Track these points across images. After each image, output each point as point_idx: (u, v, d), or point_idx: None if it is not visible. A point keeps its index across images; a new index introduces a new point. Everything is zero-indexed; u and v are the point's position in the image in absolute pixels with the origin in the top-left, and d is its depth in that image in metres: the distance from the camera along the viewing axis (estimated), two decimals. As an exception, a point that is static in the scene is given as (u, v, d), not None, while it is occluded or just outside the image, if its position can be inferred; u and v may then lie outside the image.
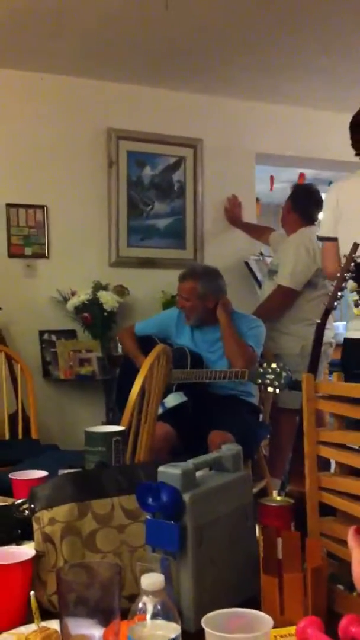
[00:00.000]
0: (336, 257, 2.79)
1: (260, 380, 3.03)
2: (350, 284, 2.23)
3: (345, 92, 4.56)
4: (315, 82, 4.38)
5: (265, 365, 3.06)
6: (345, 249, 2.58)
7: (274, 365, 3.03)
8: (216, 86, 4.42)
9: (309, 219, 3.93)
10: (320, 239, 2.99)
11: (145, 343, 3.43)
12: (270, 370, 3.01)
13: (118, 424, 2.52)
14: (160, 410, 3.07)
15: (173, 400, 3.26)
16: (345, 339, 2.85)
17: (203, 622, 0.88)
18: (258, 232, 4.60)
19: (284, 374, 2.99)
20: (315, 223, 3.97)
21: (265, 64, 4.05)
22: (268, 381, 3.01)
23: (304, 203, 3.95)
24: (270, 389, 3.03)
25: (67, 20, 3.44)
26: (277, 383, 2.99)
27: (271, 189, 5.64)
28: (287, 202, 4.05)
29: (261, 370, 3.04)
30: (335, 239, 2.82)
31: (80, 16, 3.39)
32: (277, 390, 3.03)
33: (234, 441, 2.98)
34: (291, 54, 3.89)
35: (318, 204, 4.00)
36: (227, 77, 4.27)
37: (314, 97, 4.63)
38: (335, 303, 2.55)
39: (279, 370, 3.00)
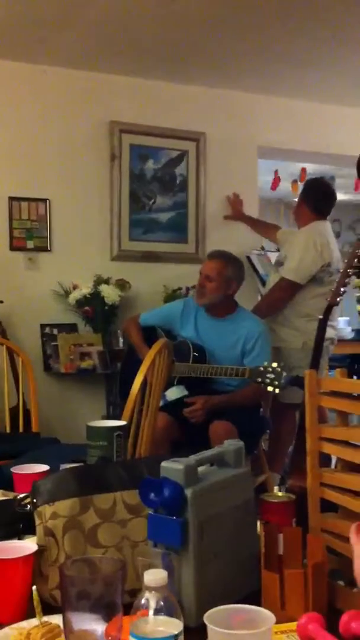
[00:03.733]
0: None
1: (260, 379, 3.04)
2: (355, 280, 2.23)
3: (350, 86, 4.55)
4: (320, 76, 4.36)
5: (266, 364, 3.07)
6: None
7: (274, 365, 3.05)
8: (219, 79, 4.41)
9: (319, 213, 3.91)
10: None
11: (149, 334, 3.43)
12: (270, 369, 3.03)
13: (119, 418, 2.52)
14: (161, 403, 3.08)
15: (174, 393, 3.26)
16: None
17: (205, 618, 0.88)
18: (264, 228, 4.59)
19: (284, 374, 3.01)
20: (327, 218, 3.95)
21: (269, 57, 4.03)
22: (268, 380, 3.03)
23: (314, 197, 3.94)
24: (269, 388, 3.04)
25: (70, 13, 3.42)
26: (276, 383, 3.01)
27: (273, 189, 5.61)
28: (300, 195, 4.04)
29: (262, 369, 3.05)
30: None
31: (83, 9, 3.38)
32: (277, 390, 3.05)
33: (236, 431, 2.99)
34: (295, 47, 3.88)
35: (328, 198, 3.98)
36: (230, 69, 4.25)
37: (318, 90, 4.61)
38: (338, 299, 2.55)
39: (279, 370, 3.02)
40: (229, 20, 3.53)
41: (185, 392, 3.26)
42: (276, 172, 5.65)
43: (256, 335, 3.32)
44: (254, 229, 4.61)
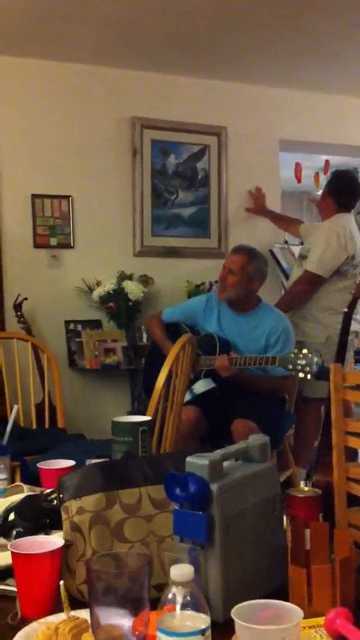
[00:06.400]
0: None
1: (291, 366, 2.99)
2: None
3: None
4: (340, 68, 4.32)
5: (296, 350, 3.03)
6: None
7: (305, 351, 2.99)
8: (239, 73, 4.38)
9: (343, 206, 3.86)
10: None
11: (173, 330, 3.43)
12: (301, 355, 2.97)
13: (143, 413, 2.53)
14: (189, 397, 3.07)
15: (202, 386, 3.25)
16: None
17: (233, 613, 0.88)
18: (286, 222, 4.56)
19: (315, 359, 2.94)
20: (352, 210, 3.91)
21: (289, 50, 4.00)
22: (299, 367, 2.97)
23: (338, 189, 3.89)
24: (301, 375, 2.99)
25: (89, 8, 3.43)
26: (308, 369, 2.95)
27: (299, 181, 5.57)
28: (324, 187, 4.01)
29: (292, 355, 3.01)
30: None
31: (102, 4, 3.38)
32: (309, 376, 2.98)
33: (258, 430, 2.97)
34: (316, 39, 3.84)
35: (353, 190, 3.93)
36: (251, 63, 4.23)
37: (339, 83, 4.57)
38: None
39: (310, 355, 2.96)
40: (250, 14, 3.51)
41: (213, 385, 3.24)
42: (297, 164, 5.62)
43: (279, 330, 3.30)
44: (277, 224, 4.59)
